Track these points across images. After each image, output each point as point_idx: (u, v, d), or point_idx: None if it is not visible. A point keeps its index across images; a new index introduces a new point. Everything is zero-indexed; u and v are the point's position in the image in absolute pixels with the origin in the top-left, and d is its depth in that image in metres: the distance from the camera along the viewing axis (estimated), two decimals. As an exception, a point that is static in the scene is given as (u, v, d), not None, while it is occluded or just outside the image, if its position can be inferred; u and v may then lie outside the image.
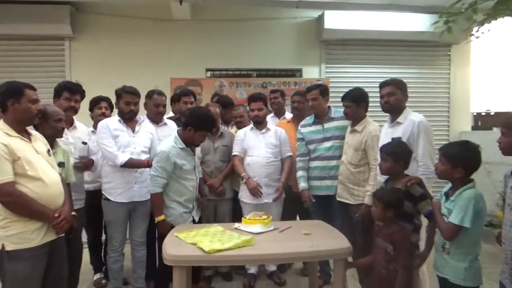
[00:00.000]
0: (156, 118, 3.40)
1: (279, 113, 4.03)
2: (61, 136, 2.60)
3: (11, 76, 4.56)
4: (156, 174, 2.76)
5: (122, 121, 3.04)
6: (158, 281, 3.07)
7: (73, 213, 2.40)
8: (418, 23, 5.19)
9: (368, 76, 5.39)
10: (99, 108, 3.51)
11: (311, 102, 3.28)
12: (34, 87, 2.19)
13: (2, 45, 5.00)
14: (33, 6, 4.73)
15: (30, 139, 2.17)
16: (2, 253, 2.00)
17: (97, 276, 3.59)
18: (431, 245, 2.22)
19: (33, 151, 2.13)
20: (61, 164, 2.48)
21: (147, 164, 2.95)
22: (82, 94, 3.12)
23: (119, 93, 3.09)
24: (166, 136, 3.15)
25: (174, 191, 2.86)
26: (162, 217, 2.80)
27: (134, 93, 3.07)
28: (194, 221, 3.01)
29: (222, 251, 2.06)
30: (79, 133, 3.13)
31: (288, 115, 3.97)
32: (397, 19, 5.16)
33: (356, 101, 3.01)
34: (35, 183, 2.06)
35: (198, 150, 3.19)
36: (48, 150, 2.28)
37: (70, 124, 3.05)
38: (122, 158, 2.92)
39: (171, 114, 3.93)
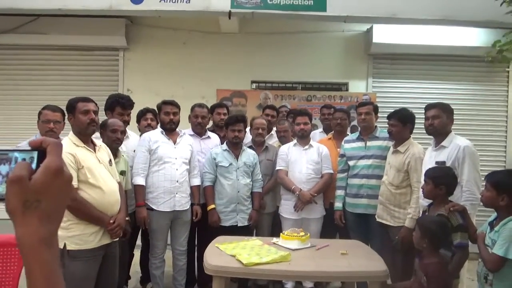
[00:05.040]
0: (197, 130, 3.58)
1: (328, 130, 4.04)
2: (117, 146, 2.82)
3: (69, 84, 5.11)
4: (205, 170, 3.35)
5: (164, 133, 3.23)
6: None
7: (127, 218, 2.60)
8: (472, 37, 4.93)
9: (418, 92, 5.21)
10: (145, 119, 3.66)
11: (363, 115, 3.31)
12: (88, 99, 2.42)
13: (62, 55, 5.36)
14: (92, 19, 4.99)
15: (94, 150, 2.40)
16: (63, 252, 2.22)
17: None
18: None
19: (96, 161, 2.36)
20: (122, 173, 2.71)
21: (137, 204, 3.08)
22: (132, 106, 3.36)
23: (159, 106, 3.34)
24: (209, 149, 3.48)
25: (216, 192, 3.32)
26: (212, 206, 3.29)
27: (172, 103, 3.27)
28: (237, 225, 3.27)
29: (259, 265, 2.14)
30: (131, 143, 3.33)
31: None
32: (449, 33, 4.93)
33: (403, 121, 2.99)
34: (94, 190, 2.28)
35: (248, 156, 3.39)
36: (110, 160, 2.50)
37: (124, 134, 3.28)
38: (136, 180, 3.09)
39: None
